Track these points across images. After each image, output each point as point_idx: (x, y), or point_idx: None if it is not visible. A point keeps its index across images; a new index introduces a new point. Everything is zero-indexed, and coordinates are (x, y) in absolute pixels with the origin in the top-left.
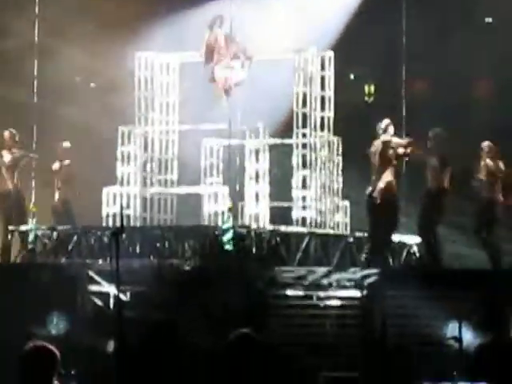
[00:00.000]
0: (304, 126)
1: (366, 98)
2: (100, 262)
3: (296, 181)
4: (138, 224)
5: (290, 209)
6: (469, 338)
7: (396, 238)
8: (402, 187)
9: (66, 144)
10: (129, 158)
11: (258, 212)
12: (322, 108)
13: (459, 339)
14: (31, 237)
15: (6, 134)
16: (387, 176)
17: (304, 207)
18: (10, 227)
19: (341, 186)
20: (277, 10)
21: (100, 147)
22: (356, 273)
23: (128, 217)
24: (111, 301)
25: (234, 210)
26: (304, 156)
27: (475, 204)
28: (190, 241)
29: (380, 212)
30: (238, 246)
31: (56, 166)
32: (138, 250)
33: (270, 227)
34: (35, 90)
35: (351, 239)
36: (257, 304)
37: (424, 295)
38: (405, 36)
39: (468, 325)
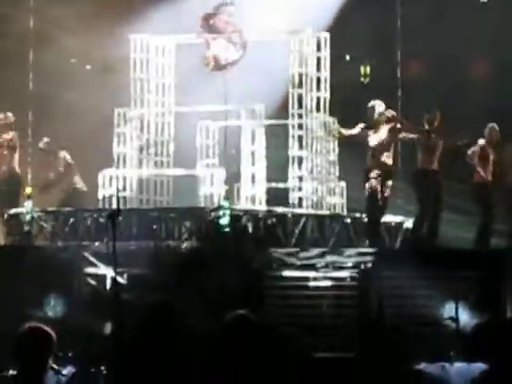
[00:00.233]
0: (300, 106)
1: (362, 79)
2: (96, 244)
3: (292, 162)
4: (135, 206)
5: (286, 190)
6: (465, 318)
7: (392, 218)
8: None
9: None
10: (125, 139)
11: (254, 193)
12: (318, 89)
13: (456, 319)
14: (27, 219)
15: (1, 116)
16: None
17: (300, 188)
18: (6, 210)
19: (337, 166)
20: None
21: (96, 129)
22: (352, 253)
23: (124, 199)
24: (108, 283)
25: (230, 192)
26: (300, 137)
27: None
28: (186, 222)
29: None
30: (234, 228)
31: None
32: (134, 231)
33: (266, 208)
34: (30, 74)
35: (348, 220)
36: (253, 285)
37: (420, 275)
38: (400, 17)
39: (464, 305)
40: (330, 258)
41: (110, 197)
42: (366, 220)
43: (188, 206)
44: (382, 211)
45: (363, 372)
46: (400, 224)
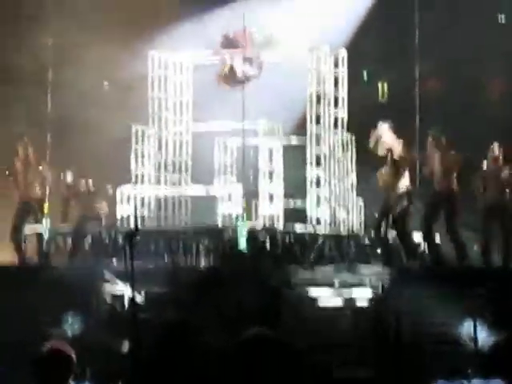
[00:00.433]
0: (318, 124)
1: (380, 97)
2: (115, 262)
3: (310, 180)
4: (153, 224)
5: (303, 208)
6: (483, 335)
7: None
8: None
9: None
10: (143, 157)
11: (271, 211)
12: (336, 106)
13: (474, 337)
14: (45, 238)
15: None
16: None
17: (318, 206)
18: (25, 228)
19: (355, 184)
20: (290, 9)
21: (114, 147)
22: (369, 272)
23: (142, 217)
24: (126, 301)
25: (248, 210)
26: (318, 155)
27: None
28: (204, 241)
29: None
30: (251, 246)
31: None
32: (152, 250)
33: (284, 226)
34: (49, 91)
35: (366, 238)
36: (270, 303)
37: (438, 293)
38: (418, 36)
39: (483, 323)
40: (347, 276)
41: (128, 215)
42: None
43: (206, 225)
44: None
45: None
46: (418, 243)
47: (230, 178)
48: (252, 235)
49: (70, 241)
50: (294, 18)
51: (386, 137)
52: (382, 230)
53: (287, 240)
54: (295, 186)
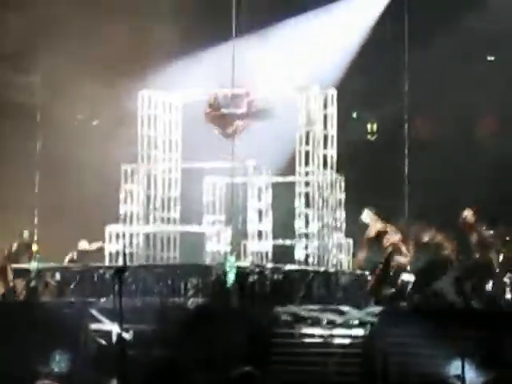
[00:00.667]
0: (307, 164)
1: (369, 136)
2: (103, 300)
3: (298, 219)
4: (141, 262)
5: (292, 247)
6: (471, 376)
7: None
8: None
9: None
10: (132, 195)
11: (260, 250)
12: (325, 146)
13: (462, 377)
14: (33, 275)
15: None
16: None
17: (307, 245)
18: (14, 265)
19: (344, 223)
20: (279, 50)
21: (102, 185)
22: (359, 311)
23: (131, 255)
24: (114, 339)
25: (237, 248)
26: (307, 194)
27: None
28: (192, 279)
29: None
30: (240, 284)
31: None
32: (141, 288)
33: (272, 265)
34: (38, 128)
35: (354, 277)
36: (259, 341)
37: (426, 333)
38: (407, 73)
39: (470, 363)
40: (335, 316)
41: (117, 253)
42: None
43: (194, 263)
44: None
45: None
46: (406, 282)
47: (219, 215)
48: (240, 273)
49: (57, 278)
50: (283, 57)
51: (372, 223)
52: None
53: (275, 278)
54: (284, 225)
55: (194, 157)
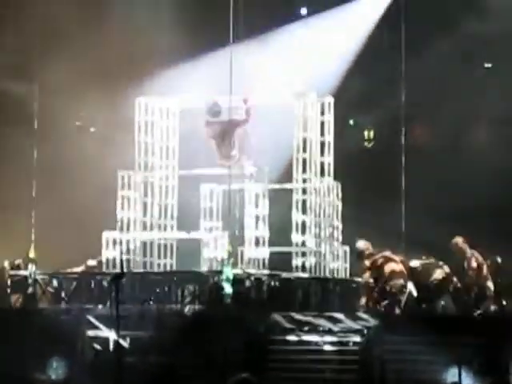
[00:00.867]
0: (304, 171)
1: (366, 144)
2: (100, 307)
3: (296, 226)
4: (138, 269)
5: (289, 254)
6: (468, 383)
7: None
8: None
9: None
10: (129, 202)
11: (257, 257)
12: (322, 153)
13: None
14: (30, 282)
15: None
16: None
17: (304, 252)
18: (11, 272)
19: (340, 231)
20: (277, 56)
21: (99, 191)
22: (355, 318)
23: (128, 261)
24: (111, 346)
25: (234, 255)
26: (304, 201)
27: None
28: (189, 286)
29: None
30: (237, 291)
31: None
32: (137, 295)
33: (269, 272)
34: (35, 135)
35: (351, 284)
36: (256, 349)
37: (423, 341)
38: (404, 82)
39: (467, 370)
40: (332, 323)
41: (114, 259)
42: None
43: (191, 270)
44: None
45: None
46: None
47: (216, 222)
48: (237, 280)
49: (55, 284)
50: (281, 64)
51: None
52: None
53: (272, 285)
54: (281, 232)
55: (191, 163)
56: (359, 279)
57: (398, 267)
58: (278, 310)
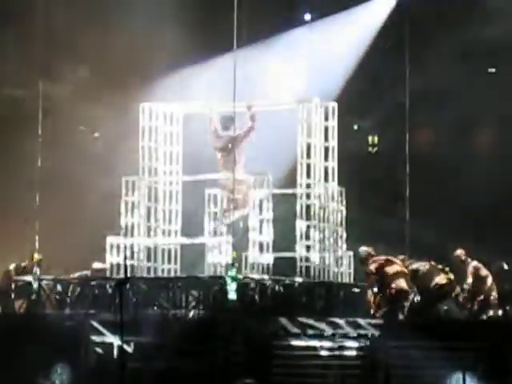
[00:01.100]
0: (308, 176)
1: (370, 149)
2: (104, 312)
3: (300, 231)
4: (142, 274)
5: (293, 259)
6: None
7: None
8: None
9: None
10: (133, 207)
11: (261, 262)
12: (326, 158)
13: None
14: (35, 287)
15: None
16: None
17: (308, 257)
18: (15, 277)
19: (344, 236)
20: (280, 62)
21: (103, 197)
22: (359, 324)
23: (132, 267)
24: (115, 351)
25: (238, 260)
26: (308, 206)
27: None
28: (193, 291)
29: None
30: (241, 296)
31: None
32: (142, 300)
33: (273, 277)
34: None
35: (356, 289)
36: (260, 354)
37: (428, 346)
38: (408, 88)
39: (472, 375)
40: (336, 328)
41: (118, 265)
42: None
43: (195, 275)
44: None
45: None
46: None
47: (220, 227)
48: (241, 285)
49: (59, 289)
50: (284, 69)
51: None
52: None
53: (276, 290)
54: (285, 237)
55: (195, 169)
56: (363, 284)
57: (402, 271)
58: (281, 315)
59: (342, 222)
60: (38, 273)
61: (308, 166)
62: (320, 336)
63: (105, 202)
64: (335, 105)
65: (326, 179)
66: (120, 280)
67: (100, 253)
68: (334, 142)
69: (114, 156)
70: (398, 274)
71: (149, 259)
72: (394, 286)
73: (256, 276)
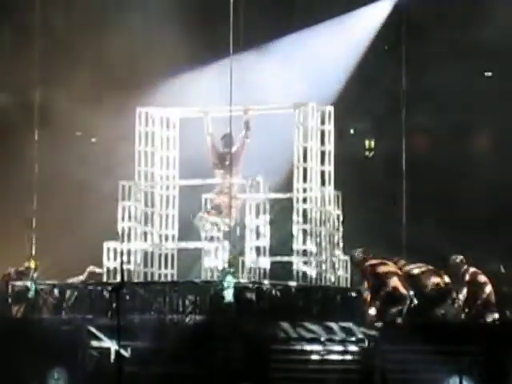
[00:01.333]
0: (304, 180)
1: (367, 153)
2: (101, 317)
3: (296, 235)
4: (139, 279)
5: (290, 263)
6: None
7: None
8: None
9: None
10: (129, 212)
11: (258, 266)
12: (322, 162)
13: None
14: (32, 291)
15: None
16: None
17: (304, 262)
18: (11, 282)
19: (341, 240)
20: (277, 67)
21: (100, 202)
22: (357, 327)
23: (128, 272)
24: (112, 356)
25: (235, 264)
26: (304, 211)
27: None
28: (190, 296)
29: None
30: (238, 301)
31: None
32: (138, 305)
33: (270, 282)
34: (36, 145)
35: (353, 294)
36: (257, 358)
37: (424, 350)
38: (405, 91)
39: (469, 379)
40: (333, 332)
41: (115, 270)
42: None
43: (192, 279)
44: None
45: None
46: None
47: (217, 232)
48: (238, 289)
49: (56, 294)
50: (281, 74)
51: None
52: None
53: (273, 294)
54: (281, 241)
55: (191, 174)
56: (360, 288)
57: (395, 272)
58: (279, 320)
59: (338, 226)
60: (35, 278)
61: (304, 170)
62: (317, 340)
63: (102, 206)
64: (331, 109)
65: (323, 183)
66: (117, 285)
67: (99, 256)
68: (330, 146)
69: (111, 161)
70: (391, 274)
71: (145, 264)
72: (389, 285)
73: (253, 280)
